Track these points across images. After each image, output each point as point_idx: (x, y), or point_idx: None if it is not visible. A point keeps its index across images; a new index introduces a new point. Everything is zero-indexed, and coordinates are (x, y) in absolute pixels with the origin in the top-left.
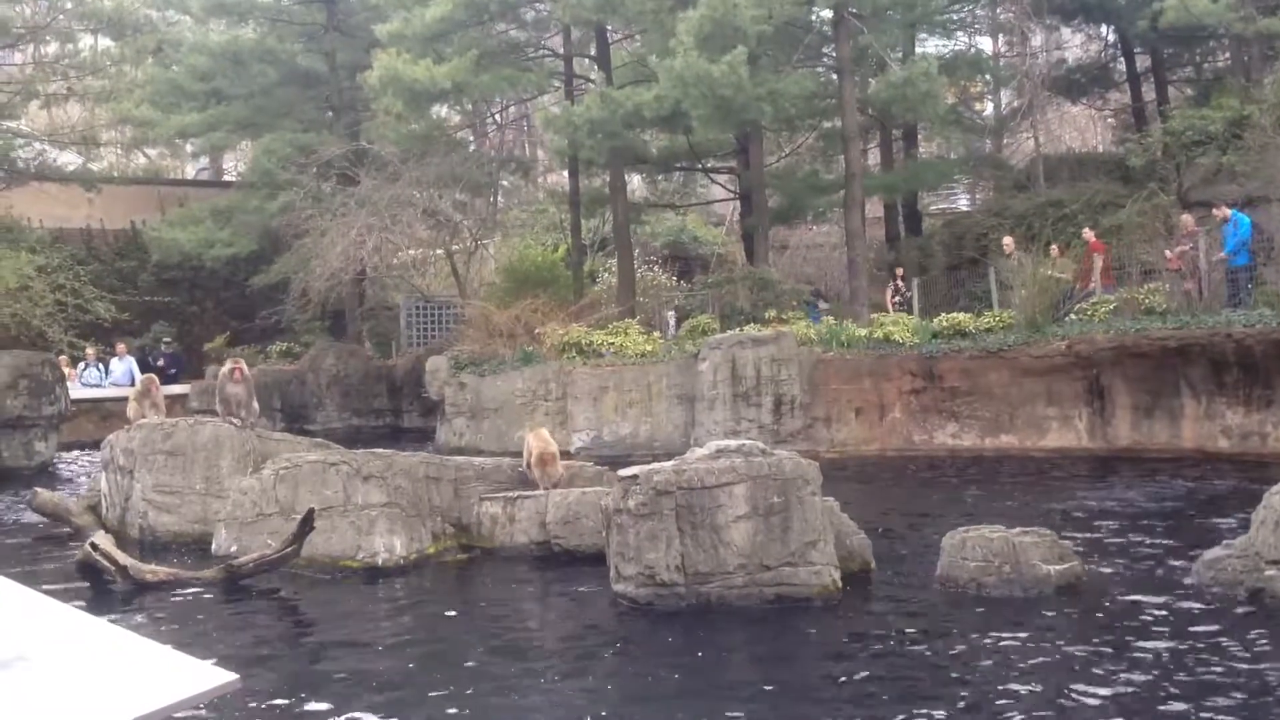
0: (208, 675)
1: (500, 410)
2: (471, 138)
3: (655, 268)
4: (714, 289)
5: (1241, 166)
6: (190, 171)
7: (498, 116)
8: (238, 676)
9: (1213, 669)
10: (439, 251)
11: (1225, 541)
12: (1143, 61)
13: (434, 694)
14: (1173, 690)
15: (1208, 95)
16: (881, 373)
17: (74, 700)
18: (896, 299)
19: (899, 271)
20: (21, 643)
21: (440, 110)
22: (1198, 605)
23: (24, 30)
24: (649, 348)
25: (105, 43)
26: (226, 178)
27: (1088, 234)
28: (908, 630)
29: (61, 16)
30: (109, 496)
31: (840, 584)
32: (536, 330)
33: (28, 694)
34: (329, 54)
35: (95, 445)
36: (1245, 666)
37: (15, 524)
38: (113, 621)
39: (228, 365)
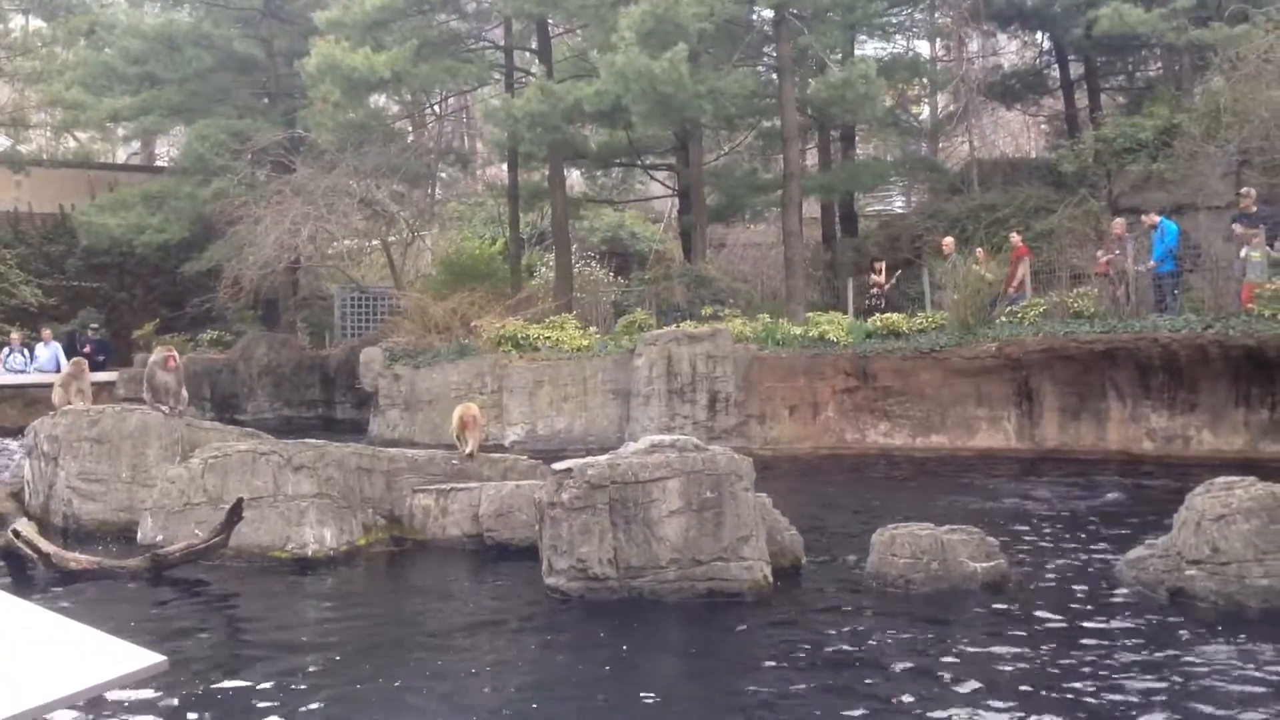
0: (135, 656)
1: (434, 403)
2: (410, 128)
3: (593, 263)
4: (651, 285)
5: (1170, 174)
6: (121, 156)
7: (437, 108)
8: (165, 659)
9: (1134, 665)
10: (375, 242)
11: (1148, 541)
12: (1076, 69)
13: (360, 685)
14: (1092, 686)
15: (1139, 104)
16: (816, 371)
17: None
18: (874, 291)
19: (879, 266)
20: None
21: (379, 100)
22: (1120, 603)
23: None
24: (585, 342)
25: (37, 23)
26: (159, 163)
27: (1015, 238)
28: (837, 626)
29: None
30: (32, 483)
31: (771, 579)
32: (473, 323)
33: None
34: (266, 40)
35: (18, 432)
36: (1165, 663)
37: None
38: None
39: (160, 353)
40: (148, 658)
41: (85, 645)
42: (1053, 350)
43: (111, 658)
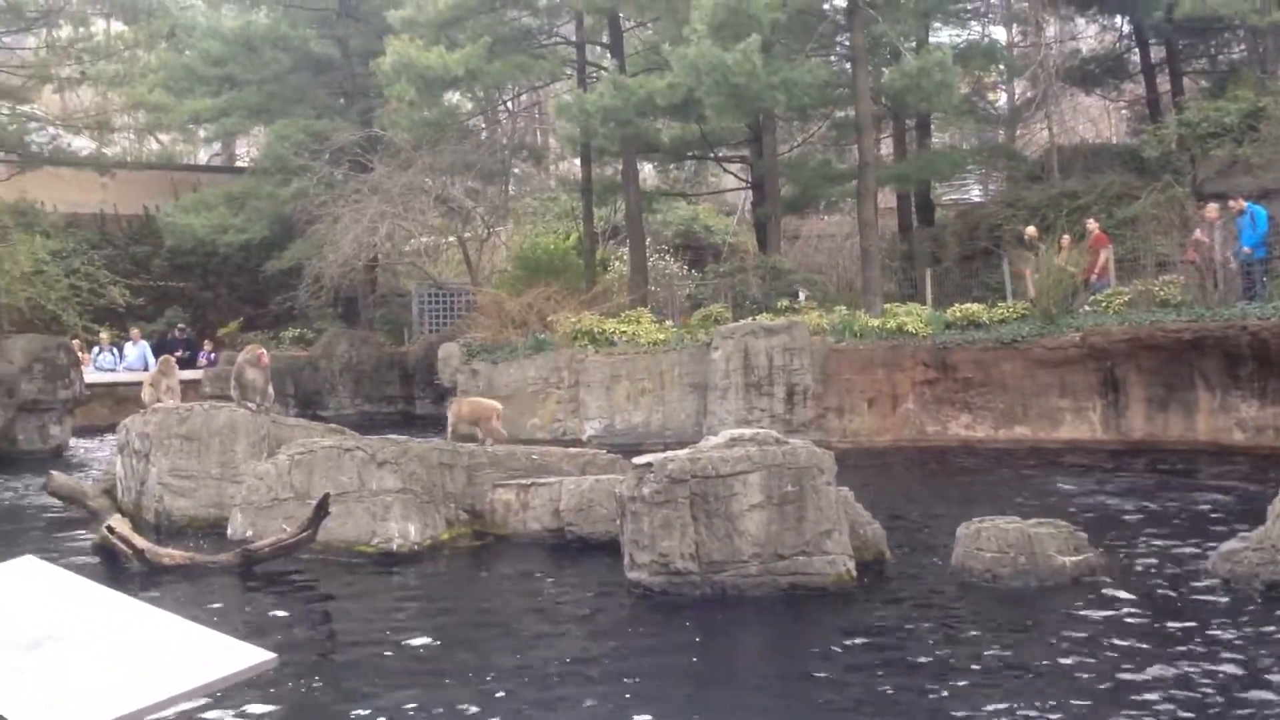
0: (246, 654)
1: (512, 398)
2: (484, 125)
3: (667, 257)
4: (726, 278)
5: (1257, 159)
6: (203, 157)
7: (510, 104)
8: (275, 655)
9: (1228, 661)
10: (451, 239)
11: (1241, 534)
12: (1157, 53)
13: (447, 679)
14: (1187, 681)
15: (1223, 87)
16: (894, 363)
17: (114, 678)
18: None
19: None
20: (53, 622)
21: (453, 97)
22: (1213, 597)
23: (37, 14)
24: (661, 336)
25: (118, 27)
26: (239, 163)
27: (1092, 225)
28: (922, 621)
29: (74, 0)
30: (124, 480)
31: (854, 573)
32: (548, 318)
33: (60, 673)
34: (341, 40)
35: (109, 429)
36: (1260, 658)
37: (31, 507)
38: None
39: (250, 351)
40: (258, 654)
41: (198, 642)
42: (1138, 339)
43: (224, 654)
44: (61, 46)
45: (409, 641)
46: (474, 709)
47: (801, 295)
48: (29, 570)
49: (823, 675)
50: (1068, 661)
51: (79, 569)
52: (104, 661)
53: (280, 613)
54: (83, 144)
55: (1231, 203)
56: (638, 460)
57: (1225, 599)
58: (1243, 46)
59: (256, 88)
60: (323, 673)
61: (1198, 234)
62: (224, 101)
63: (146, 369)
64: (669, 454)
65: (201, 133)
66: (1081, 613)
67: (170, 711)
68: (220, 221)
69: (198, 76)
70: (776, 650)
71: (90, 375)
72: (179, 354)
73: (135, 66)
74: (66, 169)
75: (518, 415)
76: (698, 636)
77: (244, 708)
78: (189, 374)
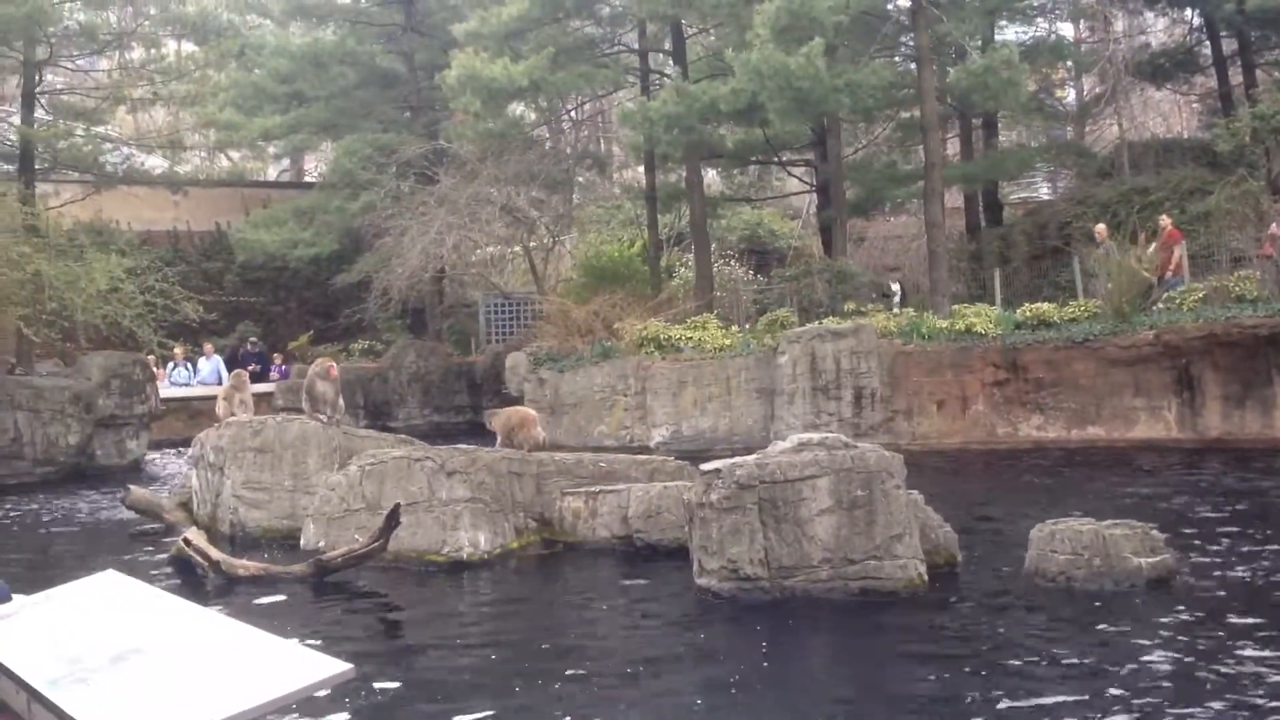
0: (324, 665)
1: (579, 405)
2: (548, 135)
3: (732, 262)
4: (791, 282)
5: None
6: (273, 173)
7: (574, 113)
8: (352, 666)
9: None
10: (517, 248)
11: None
12: (1229, 45)
13: (517, 689)
14: (1264, 684)
15: None
16: (963, 364)
17: (194, 691)
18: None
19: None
20: (134, 635)
21: (517, 108)
22: None
23: (110, 37)
24: (727, 342)
25: (189, 47)
26: (308, 179)
27: (1164, 221)
28: (996, 624)
29: (146, 22)
30: (200, 493)
31: (926, 578)
32: (614, 325)
33: (142, 686)
34: (407, 54)
35: (184, 443)
36: None
37: (110, 520)
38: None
39: (321, 363)
40: (336, 666)
41: (276, 654)
42: (1214, 336)
43: (302, 666)
44: (134, 68)
45: (480, 649)
46: (545, 717)
47: (896, 291)
48: (111, 584)
49: (894, 679)
50: (1142, 665)
51: (157, 581)
52: (185, 674)
53: (353, 623)
54: (156, 163)
55: None
56: (705, 467)
57: None
58: None
59: (324, 103)
60: (396, 682)
61: (1274, 228)
62: (292, 118)
63: (220, 383)
64: (737, 460)
65: (271, 149)
66: (1157, 615)
67: None
68: (290, 236)
69: (266, 94)
70: (848, 655)
71: (165, 390)
72: (251, 368)
73: (206, 86)
74: (140, 188)
75: (585, 423)
76: (768, 642)
77: (321, 719)
78: (261, 387)
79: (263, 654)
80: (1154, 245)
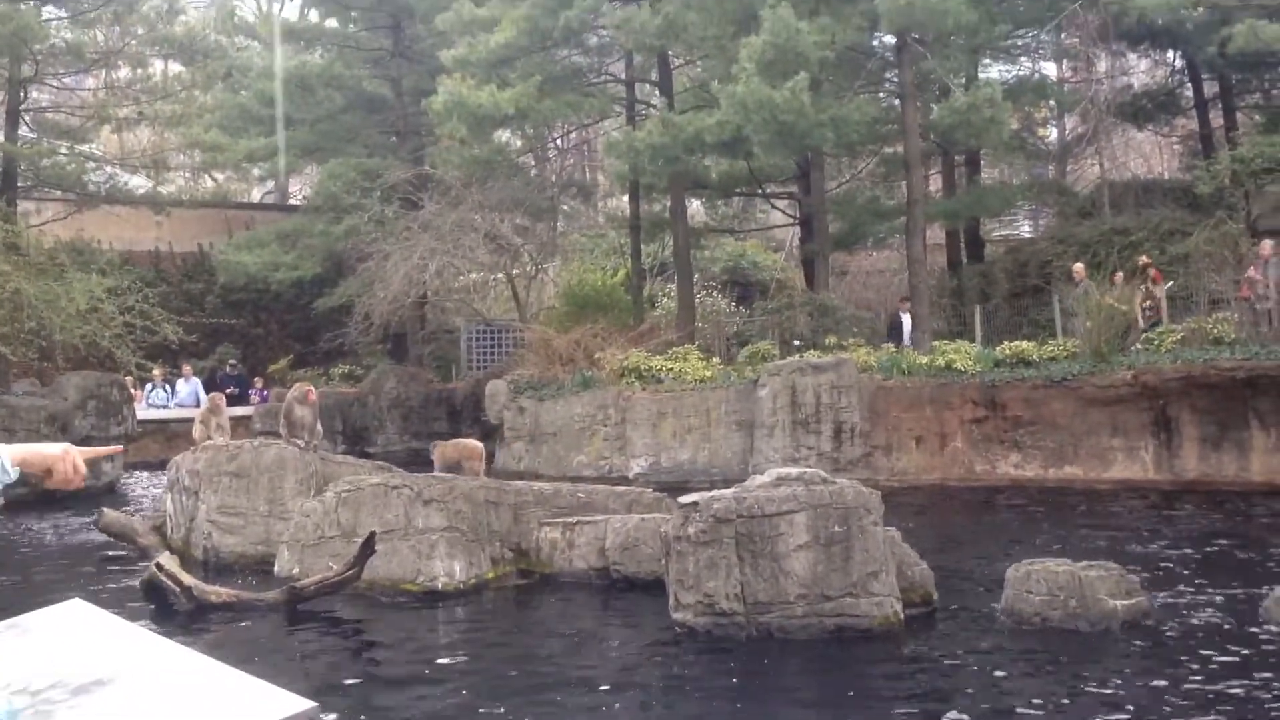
0: (286, 703)
1: (559, 435)
2: (533, 162)
3: (715, 293)
4: (773, 315)
5: None
6: (257, 195)
7: (559, 141)
8: (317, 704)
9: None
10: (500, 275)
11: None
12: (1210, 88)
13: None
14: None
15: (1277, 122)
16: (943, 401)
17: None
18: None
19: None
20: (99, 667)
21: (503, 135)
22: (1268, 642)
23: (97, 55)
24: (708, 373)
25: (176, 68)
26: (292, 201)
27: (1144, 260)
28: (971, 664)
29: (133, 42)
30: (174, 517)
31: (902, 615)
32: (596, 355)
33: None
34: (394, 80)
35: (161, 466)
36: None
37: (82, 544)
38: (180, 643)
39: (299, 388)
40: (300, 704)
41: (238, 690)
42: (1191, 378)
43: (265, 703)
44: (120, 87)
45: (452, 682)
46: None
47: (906, 322)
48: (77, 613)
49: (868, 718)
50: (1116, 707)
51: (127, 606)
52: (145, 710)
53: (324, 653)
54: (139, 183)
55: None
56: (683, 499)
57: (1278, 645)
58: None
59: (310, 127)
60: (365, 713)
61: (1252, 271)
62: (278, 141)
63: (198, 405)
64: (714, 493)
65: (255, 171)
66: (1132, 657)
67: None
68: (272, 259)
69: (252, 116)
70: (822, 692)
71: (143, 412)
72: (229, 391)
73: (192, 107)
74: (123, 207)
75: (564, 452)
76: (742, 678)
77: None
78: (240, 410)
79: (225, 689)
80: (1145, 285)
